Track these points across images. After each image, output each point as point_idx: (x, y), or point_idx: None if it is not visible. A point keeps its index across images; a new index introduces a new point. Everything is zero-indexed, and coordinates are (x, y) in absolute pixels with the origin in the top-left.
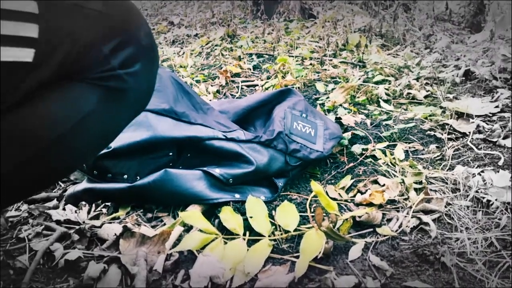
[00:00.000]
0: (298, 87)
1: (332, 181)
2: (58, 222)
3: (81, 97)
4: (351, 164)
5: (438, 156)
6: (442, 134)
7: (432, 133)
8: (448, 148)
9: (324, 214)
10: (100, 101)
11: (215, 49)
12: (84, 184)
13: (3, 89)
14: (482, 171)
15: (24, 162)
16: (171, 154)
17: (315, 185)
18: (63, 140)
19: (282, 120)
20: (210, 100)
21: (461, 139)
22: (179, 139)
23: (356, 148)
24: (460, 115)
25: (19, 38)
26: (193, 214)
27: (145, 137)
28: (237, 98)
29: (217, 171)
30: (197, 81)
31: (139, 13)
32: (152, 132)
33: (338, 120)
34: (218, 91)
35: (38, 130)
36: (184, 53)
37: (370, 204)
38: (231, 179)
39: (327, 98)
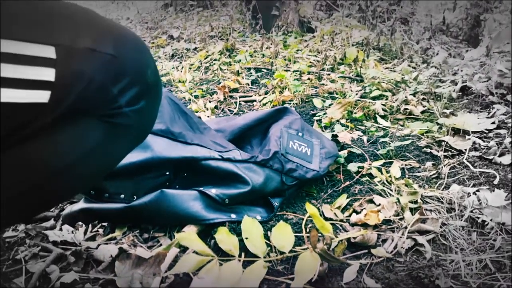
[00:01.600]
0: (296, 103)
1: (328, 200)
2: (54, 243)
3: (88, 132)
4: (347, 183)
5: (434, 174)
6: (438, 152)
7: (428, 150)
8: (444, 166)
9: (320, 235)
10: (105, 135)
11: (214, 63)
12: (81, 204)
13: (16, 126)
14: (478, 190)
15: (30, 189)
16: (167, 173)
17: (310, 207)
18: (69, 170)
19: (278, 139)
20: (208, 117)
21: (457, 156)
22: (176, 159)
23: (352, 167)
24: (456, 131)
25: (37, 82)
26: (188, 235)
27: (143, 158)
28: (235, 113)
29: (213, 191)
30: (196, 97)
31: (147, 50)
32: (150, 153)
33: (334, 137)
34: (216, 107)
35: (46, 160)
36: (183, 67)
37: (366, 225)
38: (227, 199)
39: (324, 114)
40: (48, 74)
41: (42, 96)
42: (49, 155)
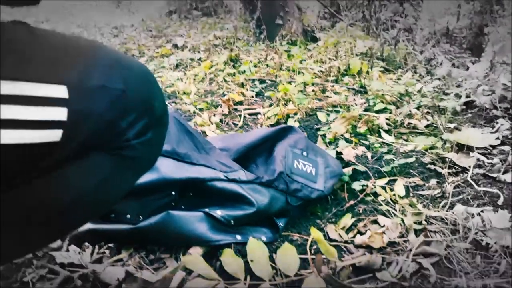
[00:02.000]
0: (300, 117)
1: (333, 220)
2: (62, 265)
3: (97, 165)
4: (352, 202)
5: (438, 193)
6: (442, 169)
7: (432, 167)
8: (448, 184)
9: (324, 257)
10: (113, 168)
11: (218, 74)
12: (88, 225)
13: (28, 165)
14: (482, 211)
15: (41, 223)
16: (173, 193)
17: (314, 232)
18: (78, 204)
19: (283, 159)
20: (213, 132)
21: (461, 174)
22: (182, 180)
23: (357, 186)
24: (460, 147)
25: (50, 122)
26: (194, 258)
27: (149, 179)
28: (239, 127)
29: (218, 212)
30: (200, 109)
31: (154, 81)
32: (156, 174)
33: (339, 155)
34: (221, 120)
35: (56, 195)
36: (187, 78)
37: (370, 247)
38: (232, 221)
39: (328, 128)
40: (60, 113)
41: (55, 135)
42: (60, 190)
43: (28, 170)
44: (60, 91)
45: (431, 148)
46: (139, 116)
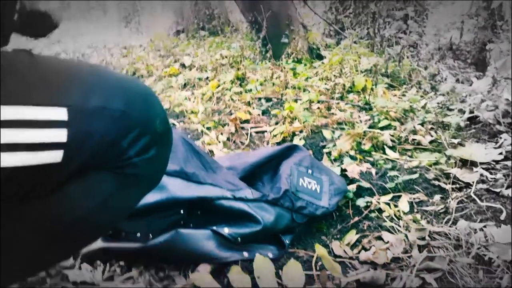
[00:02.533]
0: (306, 135)
1: (338, 236)
2: (74, 283)
3: (99, 184)
4: (356, 218)
5: (442, 208)
6: (446, 184)
7: (436, 182)
8: (452, 200)
9: (329, 273)
10: (116, 186)
11: (225, 93)
12: (99, 243)
13: (31, 186)
14: (485, 226)
15: (47, 243)
16: (181, 212)
17: (319, 248)
18: (83, 222)
19: (289, 177)
20: (220, 150)
21: (465, 189)
22: (190, 199)
23: (361, 202)
24: (464, 162)
25: (51, 144)
26: (202, 275)
27: (158, 198)
28: (246, 145)
29: (226, 230)
30: (208, 128)
31: (155, 100)
32: (165, 194)
33: (343, 172)
34: (228, 139)
35: (60, 215)
36: (195, 98)
37: (375, 263)
38: (239, 238)
39: (333, 146)
40: (61, 135)
41: (56, 156)
42: (63, 209)
43: (31, 191)
44: (60, 113)
45: (435, 164)
46: (140, 134)
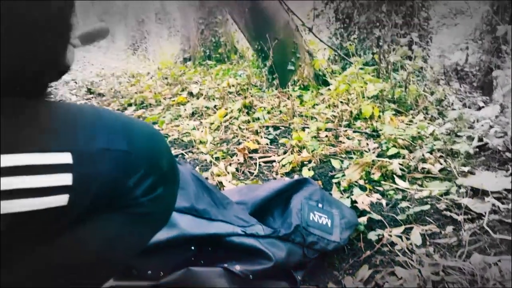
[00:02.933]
0: (315, 164)
1: (350, 271)
2: None
3: (108, 224)
4: (368, 253)
5: (455, 241)
6: (458, 215)
7: (448, 213)
8: (465, 232)
9: None
10: (125, 226)
11: (233, 122)
12: (110, 281)
13: (38, 230)
14: (499, 261)
15: (59, 285)
16: (193, 248)
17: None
18: (94, 262)
19: (299, 212)
20: (229, 182)
21: (477, 220)
22: (201, 236)
23: (373, 235)
24: (475, 191)
25: (56, 188)
26: None
27: (169, 236)
28: (255, 175)
29: (237, 267)
30: (217, 159)
31: (160, 139)
32: (176, 231)
33: (353, 203)
34: (237, 169)
35: (68, 257)
36: (203, 127)
37: None
38: (251, 275)
39: (342, 175)
40: (66, 179)
41: (61, 200)
42: (72, 252)
43: (38, 235)
44: (65, 157)
45: (445, 193)
46: (146, 174)
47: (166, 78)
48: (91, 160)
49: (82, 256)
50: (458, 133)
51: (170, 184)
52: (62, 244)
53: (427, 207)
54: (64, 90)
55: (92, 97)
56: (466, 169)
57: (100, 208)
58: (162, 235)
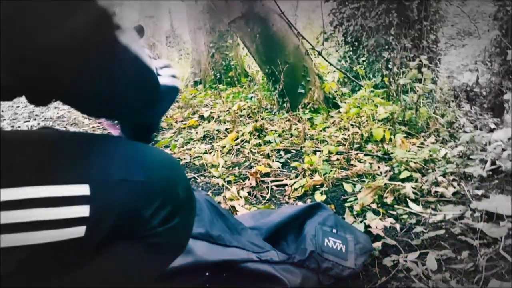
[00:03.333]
0: (327, 188)
1: None
2: None
3: (125, 254)
4: (384, 279)
5: (471, 266)
6: (473, 240)
7: (463, 238)
8: (481, 257)
9: None
10: (142, 255)
11: (245, 145)
12: None
13: (56, 261)
14: None
15: None
16: (207, 274)
17: None
18: None
19: (313, 238)
20: (242, 206)
21: (493, 245)
22: (216, 262)
23: (388, 261)
24: (490, 215)
25: (74, 220)
26: None
27: (184, 262)
28: (267, 199)
29: None
30: (229, 182)
31: (177, 168)
32: (191, 257)
33: (367, 228)
34: (249, 193)
35: (90, 286)
36: (215, 151)
37: None
38: None
39: (355, 199)
40: (83, 210)
41: (79, 232)
42: (88, 282)
43: (55, 266)
44: (83, 189)
45: (460, 218)
46: (163, 203)
47: (177, 101)
48: (109, 192)
49: (99, 286)
50: (471, 156)
51: (186, 214)
52: (78, 275)
53: (442, 231)
54: (77, 113)
55: (105, 121)
56: (479, 192)
57: (117, 239)
58: (177, 261)
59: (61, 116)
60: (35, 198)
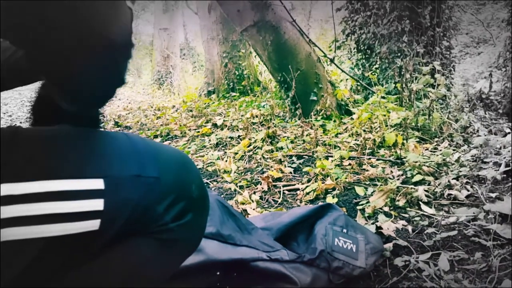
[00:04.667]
0: (339, 191)
1: None
2: None
3: (138, 249)
4: (395, 278)
5: (484, 267)
6: (487, 241)
7: (476, 239)
8: (494, 258)
9: None
10: (155, 251)
11: (257, 151)
12: None
13: (70, 254)
14: None
15: None
16: (218, 273)
17: None
18: (125, 285)
19: (324, 238)
20: (254, 209)
21: (506, 246)
22: (226, 261)
23: (399, 261)
24: (504, 217)
25: (89, 213)
26: None
27: (195, 261)
28: (279, 203)
29: None
30: (241, 187)
31: (191, 166)
32: (202, 256)
33: (378, 230)
34: (261, 197)
35: (101, 281)
36: (228, 157)
37: None
38: None
39: (367, 203)
40: (98, 204)
41: (93, 225)
42: (103, 276)
43: (70, 259)
44: (97, 184)
45: (473, 219)
46: (176, 200)
47: (191, 111)
48: (123, 187)
49: (111, 281)
50: (485, 159)
51: (199, 211)
52: (91, 269)
53: (454, 232)
54: None
55: (120, 130)
56: (493, 195)
57: (130, 233)
58: (188, 260)
59: None
60: (52, 191)
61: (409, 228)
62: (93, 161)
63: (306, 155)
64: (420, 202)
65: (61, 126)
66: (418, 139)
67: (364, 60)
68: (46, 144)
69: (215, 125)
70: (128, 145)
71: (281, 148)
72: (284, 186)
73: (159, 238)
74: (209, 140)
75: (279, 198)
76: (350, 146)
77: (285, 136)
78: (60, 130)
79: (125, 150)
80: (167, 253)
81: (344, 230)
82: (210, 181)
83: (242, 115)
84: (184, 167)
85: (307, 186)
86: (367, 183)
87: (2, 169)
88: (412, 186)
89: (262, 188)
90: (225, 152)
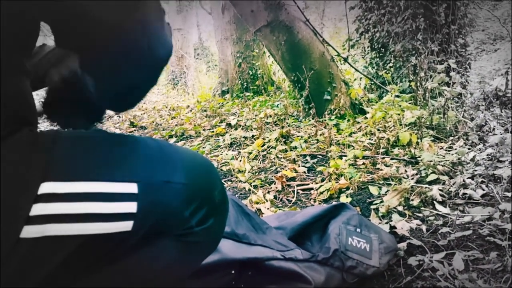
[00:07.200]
0: (352, 191)
1: None
2: None
3: (164, 250)
4: (409, 278)
5: (499, 267)
6: (502, 241)
7: (491, 239)
8: (510, 257)
9: None
10: (179, 252)
11: (271, 151)
12: None
13: (105, 252)
14: None
15: None
16: (233, 272)
17: None
18: (150, 285)
19: (338, 237)
20: (268, 209)
21: None
22: (241, 260)
23: (413, 261)
24: None
25: (123, 214)
26: None
27: (211, 260)
28: (293, 203)
29: None
30: (255, 187)
31: (214, 172)
32: (218, 255)
33: (392, 229)
34: (275, 197)
35: (130, 278)
36: (242, 156)
37: None
38: None
39: (381, 202)
40: (131, 207)
41: (127, 226)
42: (132, 274)
43: (102, 258)
44: (132, 187)
45: (488, 219)
46: (200, 205)
47: (205, 111)
48: (154, 191)
49: (141, 280)
50: (500, 158)
51: (220, 215)
52: (119, 269)
53: (469, 232)
54: (108, 123)
55: (135, 130)
56: (509, 194)
57: (158, 235)
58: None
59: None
60: (91, 192)
61: (423, 227)
62: (128, 166)
63: (320, 154)
64: (435, 202)
65: (97, 130)
66: (432, 138)
67: (378, 59)
68: (85, 147)
69: (229, 125)
70: (158, 151)
71: (295, 147)
72: (298, 185)
73: (183, 241)
74: (223, 140)
75: (293, 197)
76: (364, 146)
77: (299, 136)
78: (96, 134)
79: (156, 156)
80: (189, 255)
81: (358, 230)
82: (225, 181)
83: (256, 115)
84: (209, 174)
85: (321, 186)
86: (381, 182)
87: (45, 168)
88: (427, 186)
89: (276, 188)
90: (239, 152)
